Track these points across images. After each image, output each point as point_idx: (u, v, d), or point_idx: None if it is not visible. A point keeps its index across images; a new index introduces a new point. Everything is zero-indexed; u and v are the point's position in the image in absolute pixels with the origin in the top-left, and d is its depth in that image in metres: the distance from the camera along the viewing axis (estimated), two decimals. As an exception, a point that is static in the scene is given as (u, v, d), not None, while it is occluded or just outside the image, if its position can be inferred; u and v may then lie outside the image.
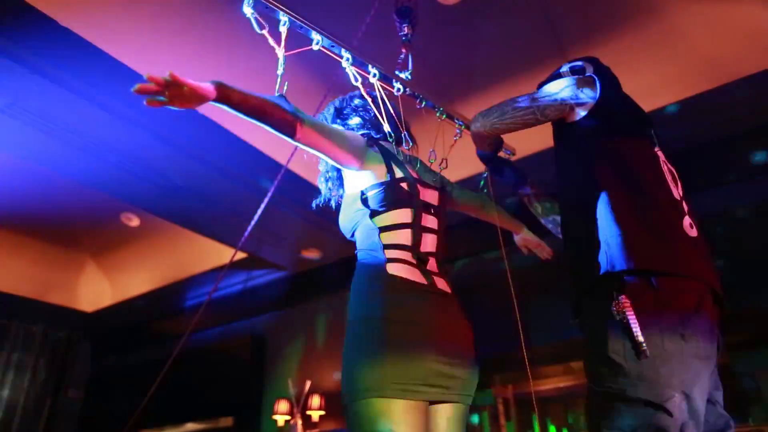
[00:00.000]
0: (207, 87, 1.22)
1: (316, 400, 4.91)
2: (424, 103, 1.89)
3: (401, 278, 1.42)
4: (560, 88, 1.63)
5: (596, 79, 1.62)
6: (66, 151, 3.71)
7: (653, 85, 3.36)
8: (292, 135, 1.40)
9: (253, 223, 2.57)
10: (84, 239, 5.95)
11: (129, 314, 6.72)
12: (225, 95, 1.26)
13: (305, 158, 1.80)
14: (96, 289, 6.57)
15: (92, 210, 5.19)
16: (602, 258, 1.37)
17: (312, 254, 5.42)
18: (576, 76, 1.67)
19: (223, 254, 5.46)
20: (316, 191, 1.84)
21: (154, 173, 4.03)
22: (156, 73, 1.15)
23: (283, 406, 5.00)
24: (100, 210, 5.19)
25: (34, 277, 6.15)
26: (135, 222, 5.42)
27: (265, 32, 1.48)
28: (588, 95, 1.61)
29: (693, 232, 1.44)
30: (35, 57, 2.93)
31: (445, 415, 1.42)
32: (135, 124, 3.46)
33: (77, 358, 6.78)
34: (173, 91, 1.16)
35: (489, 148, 1.81)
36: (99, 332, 7.01)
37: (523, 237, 2.09)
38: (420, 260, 1.48)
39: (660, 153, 1.59)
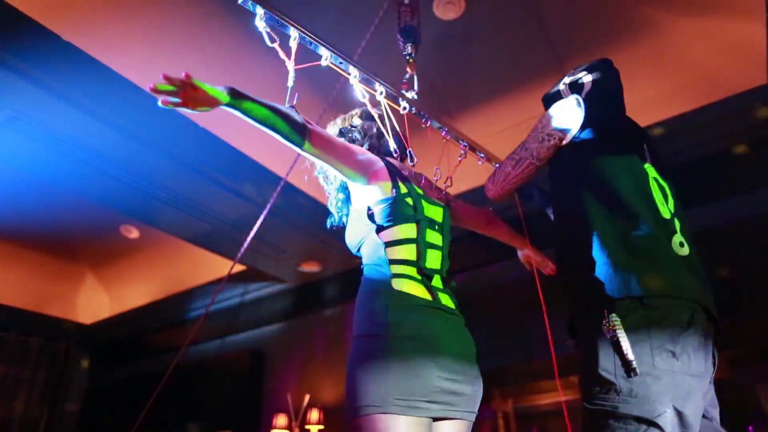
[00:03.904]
0: (220, 91, 1.23)
1: (314, 414, 4.88)
2: (429, 122, 1.91)
3: (406, 294, 1.42)
4: (543, 127, 1.69)
5: (581, 102, 1.65)
6: (66, 164, 3.72)
7: (650, 100, 3.39)
8: (300, 145, 1.41)
9: (251, 235, 2.58)
10: (83, 251, 5.95)
11: (127, 327, 6.69)
12: (237, 100, 1.27)
13: (305, 166, 1.82)
14: (94, 302, 6.55)
15: (91, 222, 5.20)
16: (591, 286, 1.39)
17: (311, 267, 5.41)
18: (559, 106, 1.70)
19: (222, 267, 5.46)
20: (316, 204, 1.86)
21: (154, 186, 4.04)
22: (173, 73, 1.16)
23: (281, 420, 4.96)
24: (100, 222, 5.20)
25: (32, 288, 6.14)
26: (134, 234, 5.43)
27: (276, 45, 1.50)
28: (574, 121, 1.64)
29: (683, 251, 1.44)
30: (37, 71, 2.95)
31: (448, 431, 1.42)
32: (135, 137, 3.47)
33: (75, 370, 6.75)
34: (187, 92, 1.18)
35: (511, 196, 1.90)
36: (97, 345, 6.98)
37: (527, 253, 2.11)
38: (425, 276, 1.49)
39: (651, 169, 1.59)
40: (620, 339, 1.25)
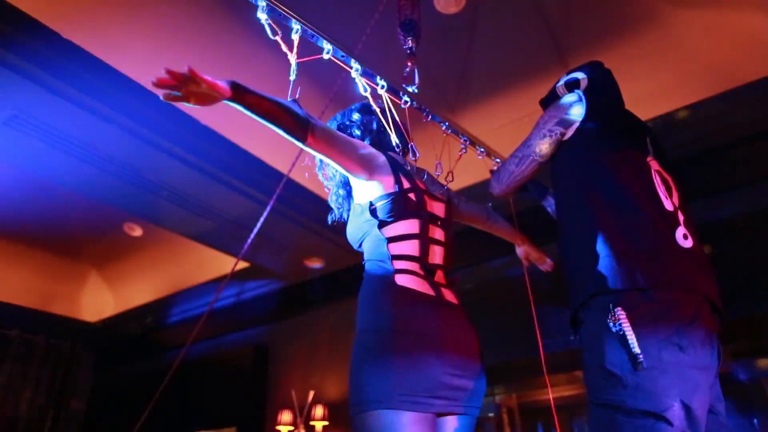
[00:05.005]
0: (223, 85, 1.23)
1: (319, 411, 4.89)
2: (430, 116, 1.91)
3: (409, 289, 1.42)
4: (544, 123, 1.69)
5: (582, 97, 1.65)
6: (68, 162, 3.72)
7: (653, 92, 3.37)
8: (303, 140, 1.40)
9: (254, 232, 2.57)
10: (87, 249, 5.96)
11: (132, 324, 6.71)
12: (240, 95, 1.27)
13: (307, 163, 1.82)
14: (99, 300, 6.58)
15: (95, 220, 5.21)
16: (594, 277, 1.39)
17: (314, 263, 5.42)
18: (560, 104, 1.70)
19: (225, 264, 5.47)
20: (318, 200, 1.86)
21: (157, 184, 4.04)
22: (175, 68, 1.15)
23: (286, 416, 4.97)
24: (103, 220, 5.21)
25: (37, 287, 6.16)
26: (138, 232, 5.44)
27: (278, 38, 1.50)
28: (576, 115, 1.63)
29: (687, 243, 1.43)
30: (38, 69, 2.95)
31: (452, 427, 1.41)
32: (137, 135, 3.47)
33: (80, 368, 6.78)
34: (190, 87, 1.17)
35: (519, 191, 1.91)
36: (102, 342, 7.01)
37: (525, 249, 2.12)
38: (428, 271, 1.48)
39: (654, 162, 1.59)
40: (626, 332, 1.24)
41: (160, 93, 1.16)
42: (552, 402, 1.85)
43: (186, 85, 1.16)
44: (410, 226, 1.52)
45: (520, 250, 2.14)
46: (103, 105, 3.25)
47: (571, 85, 1.74)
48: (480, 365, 1.47)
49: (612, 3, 3.05)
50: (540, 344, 1.80)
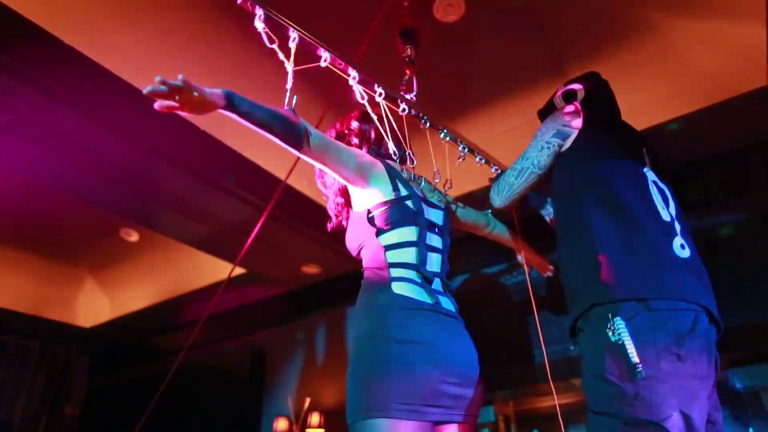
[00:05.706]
0: (217, 94, 1.23)
1: (315, 418, 4.86)
2: (428, 124, 1.91)
3: (406, 297, 1.42)
4: (542, 135, 1.71)
5: (579, 108, 1.67)
6: (66, 167, 3.72)
7: (649, 102, 3.38)
8: (298, 149, 1.41)
9: (251, 238, 2.58)
10: (83, 254, 5.94)
11: (128, 330, 6.68)
12: (234, 104, 1.27)
13: (305, 169, 1.82)
14: (94, 305, 6.54)
15: (91, 225, 5.19)
16: (593, 288, 1.39)
17: (311, 270, 5.41)
18: (557, 116, 1.71)
19: (222, 270, 5.45)
20: (316, 206, 1.86)
21: (154, 189, 4.04)
22: (168, 78, 1.15)
23: (282, 423, 4.95)
24: (99, 225, 5.19)
25: (32, 292, 6.13)
26: (134, 237, 5.42)
27: (275, 47, 1.50)
28: (573, 126, 1.65)
29: (685, 253, 1.44)
30: (37, 74, 2.95)
31: None
32: (135, 140, 3.47)
33: (75, 374, 6.73)
34: (184, 96, 1.17)
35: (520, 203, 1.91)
36: (97, 348, 6.97)
37: (526, 255, 2.12)
38: (425, 279, 1.48)
39: (650, 173, 1.60)
40: (625, 342, 1.25)
41: (156, 103, 1.17)
42: (558, 409, 1.86)
43: (179, 94, 1.16)
44: (408, 233, 1.52)
45: (521, 257, 2.15)
46: (102, 110, 3.24)
47: (569, 97, 1.76)
48: (478, 373, 1.47)
49: (609, 13, 3.07)
50: (544, 351, 1.81)
